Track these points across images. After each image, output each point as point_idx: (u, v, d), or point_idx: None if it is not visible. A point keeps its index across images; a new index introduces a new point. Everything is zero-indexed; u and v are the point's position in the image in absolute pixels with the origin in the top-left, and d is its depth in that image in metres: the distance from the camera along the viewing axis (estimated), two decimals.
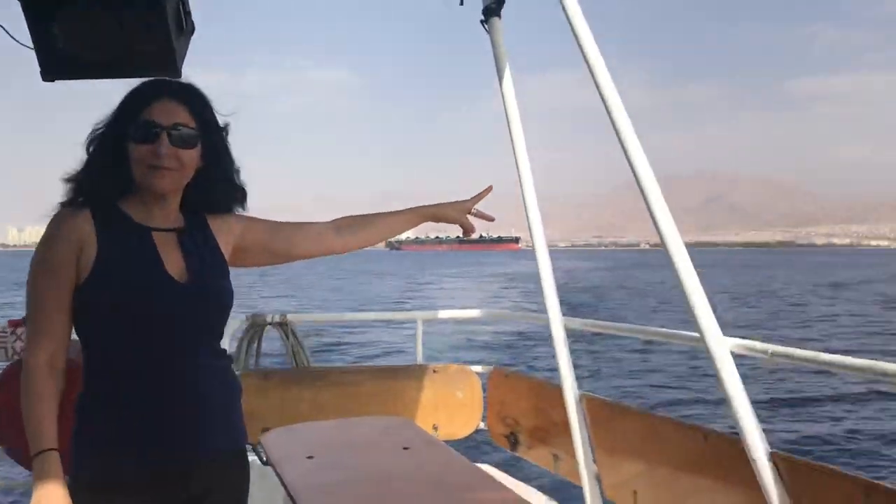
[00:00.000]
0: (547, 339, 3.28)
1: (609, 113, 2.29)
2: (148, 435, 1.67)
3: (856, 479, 1.94)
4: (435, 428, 3.79)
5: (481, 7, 3.15)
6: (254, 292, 40.05)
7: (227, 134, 1.86)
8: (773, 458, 2.09)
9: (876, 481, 1.89)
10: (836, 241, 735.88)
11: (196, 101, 1.77)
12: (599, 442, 3.10)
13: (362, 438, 2.29)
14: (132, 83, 1.77)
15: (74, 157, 1.75)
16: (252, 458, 2.31)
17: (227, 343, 3.87)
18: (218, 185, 1.86)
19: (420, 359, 4.20)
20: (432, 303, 34.19)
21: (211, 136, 1.79)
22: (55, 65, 2.75)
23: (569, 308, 27.52)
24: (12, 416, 1.74)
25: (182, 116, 1.71)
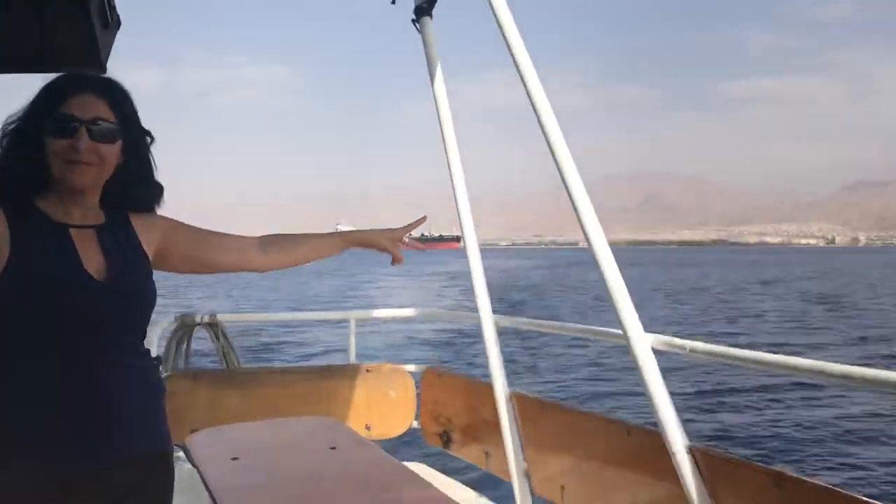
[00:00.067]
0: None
1: (537, 114, 2.32)
2: (59, 438, 1.63)
3: (767, 469, 2.02)
4: (368, 428, 3.79)
5: (413, 7, 3.16)
6: (189, 292, 39.31)
7: (152, 141, 1.84)
8: (691, 451, 2.16)
9: (785, 472, 1.98)
10: (768, 239, 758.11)
11: (116, 96, 1.73)
12: (529, 439, 3.14)
13: (289, 439, 2.27)
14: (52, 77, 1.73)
15: None
16: (183, 461, 2.28)
17: (156, 344, 3.82)
18: (138, 181, 1.82)
19: (353, 358, 4.18)
20: (371, 302, 34.06)
21: (131, 131, 1.76)
22: None
23: (509, 306, 27.96)
24: None
25: (102, 111, 1.67)
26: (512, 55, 2.34)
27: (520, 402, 3.17)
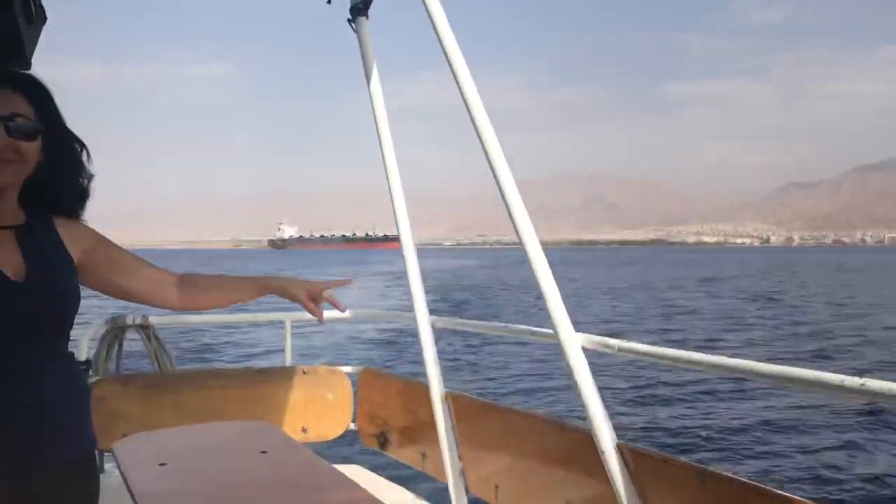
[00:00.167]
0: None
1: (470, 113, 2.34)
2: None
3: (691, 465, 2.07)
4: (304, 430, 3.75)
5: (349, 6, 3.14)
6: None
7: (82, 148, 1.80)
8: (620, 449, 2.20)
9: (707, 467, 2.04)
10: (705, 238, 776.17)
11: (37, 93, 1.69)
12: (464, 439, 3.16)
13: (219, 443, 2.24)
14: None
15: None
16: (113, 467, 2.22)
17: (86, 347, 3.72)
18: (60, 182, 1.78)
19: (289, 360, 4.14)
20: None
21: (53, 129, 1.71)
22: None
23: (452, 306, 27.99)
24: None
25: (21, 107, 1.63)
26: (445, 54, 2.35)
27: (455, 402, 3.19)
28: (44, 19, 2.83)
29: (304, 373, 3.81)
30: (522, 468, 2.82)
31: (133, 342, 3.98)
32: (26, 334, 1.63)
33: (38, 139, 1.66)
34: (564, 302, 2.30)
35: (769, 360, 1.96)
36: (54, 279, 1.70)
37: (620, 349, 2.28)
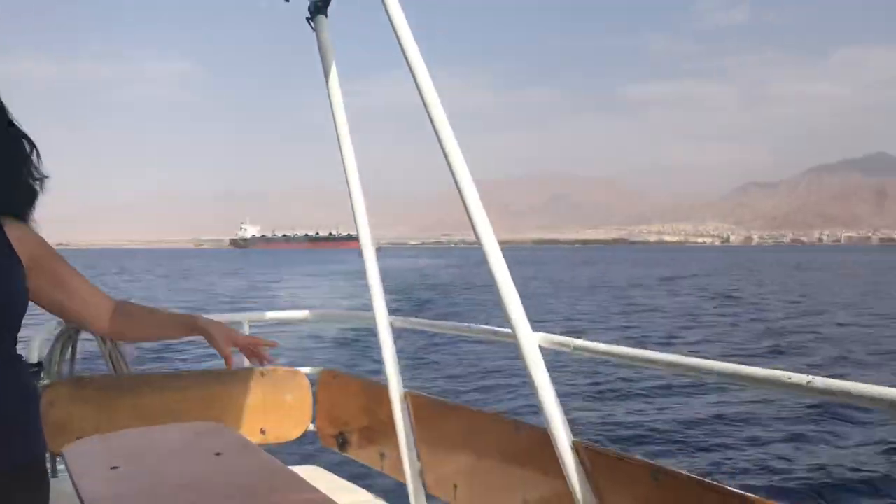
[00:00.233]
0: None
1: (428, 112, 2.34)
2: None
3: (646, 463, 2.10)
4: (263, 432, 3.72)
5: (307, 4, 3.12)
6: None
7: (32, 147, 1.76)
8: (576, 447, 2.22)
9: (662, 465, 2.07)
10: (667, 238, 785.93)
11: None
12: (423, 439, 3.16)
13: (173, 446, 2.20)
14: None
15: None
16: (65, 472, 2.17)
17: (37, 349, 3.63)
18: (6, 181, 1.74)
19: (247, 362, 4.08)
20: (277, 303, 33.43)
21: None
22: None
23: (416, 305, 27.93)
24: None
25: None
26: (403, 53, 2.34)
27: (414, 402, 3.18)
28: None
29: (263, 374, 3.77)
30: (481, 467, 2.83)
31: (88, 342, 3.90)
32: None
33: None
34: (525, 301, 2.31)
35: (726, 356, 1.99)
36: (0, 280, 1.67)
37: (576, 348, 2.30)
